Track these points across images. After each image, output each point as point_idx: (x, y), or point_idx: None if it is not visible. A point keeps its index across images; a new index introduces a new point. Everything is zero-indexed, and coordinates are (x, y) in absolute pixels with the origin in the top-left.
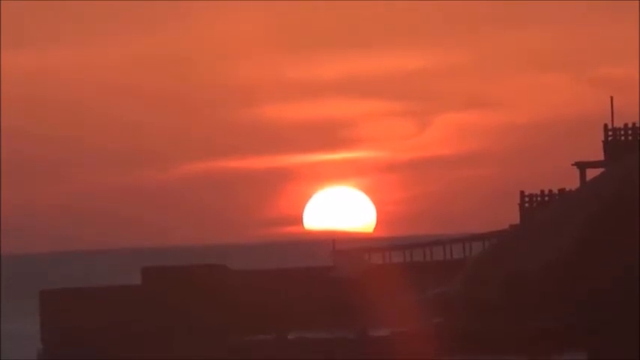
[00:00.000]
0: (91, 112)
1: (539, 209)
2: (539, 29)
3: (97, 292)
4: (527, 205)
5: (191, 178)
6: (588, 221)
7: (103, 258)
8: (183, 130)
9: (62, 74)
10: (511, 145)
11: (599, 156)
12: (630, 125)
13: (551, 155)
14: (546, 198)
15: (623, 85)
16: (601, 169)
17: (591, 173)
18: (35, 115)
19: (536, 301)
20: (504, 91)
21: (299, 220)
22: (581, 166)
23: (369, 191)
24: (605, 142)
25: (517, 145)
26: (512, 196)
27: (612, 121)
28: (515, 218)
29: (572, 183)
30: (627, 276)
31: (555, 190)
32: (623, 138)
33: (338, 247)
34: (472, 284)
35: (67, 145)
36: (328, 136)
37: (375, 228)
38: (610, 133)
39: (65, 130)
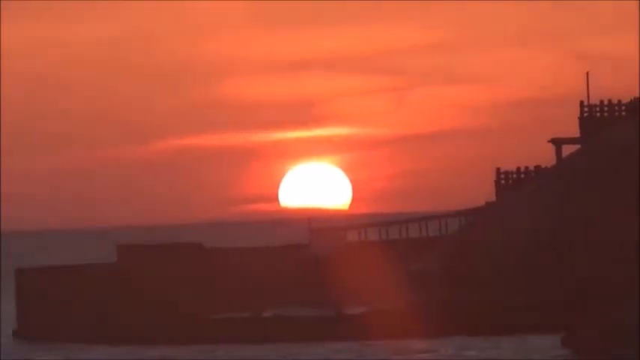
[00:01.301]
0: (54, 88)
1: (515, 186)
2: (519, 5)
3: (72, 270)
4: (503, 182)
5: (162, 155)
6: (564, 197)
7: (76, 237)
8: (153, 108)
9: (28, 50)
10: (488, 121)
11: (575, 132)
12: (606, 102)
13: (529, 132)
14: (522, 175)
15: (603, 60)
16: (577, 146)
17: (567, 150)
18: None
19: (512, 275)
20: (484, 67)
21: (274, 198)
22: (557, 143)
23: (345, 168)
24: (581, 119)
25: (495, 121)
26: (489, 173)
27: (588, 97)
28: (491, 195)
29: (549, 160)
30: (607, 253)
31: (531, 167)
32: (598, 114)
33: (314, 224)
34: (450, 261)
35: (29, 126)
36: (303, 113)
37: (351, 205)
38: (586, 109)
39: (27, 108)
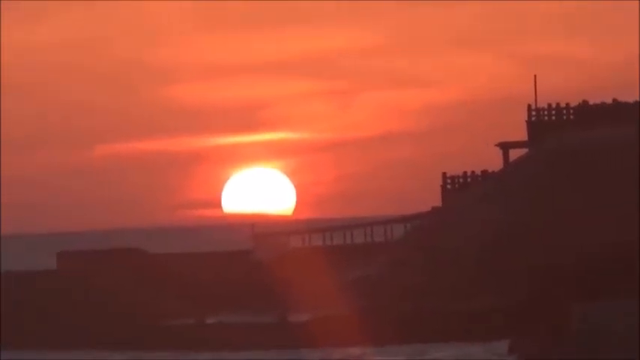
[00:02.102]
0: (5, 91)
1: (461, 191)
2: (462, 7)
3: (11, 277)
4: (449, 186)
5: (106, 160)
6: (509, 204)
7: (17, 243)
8: (97, 112)
9: None
10: (434, 125)
11: (523, 136)
12: (554, 105)
13: (475, 136)
14: (469, 179)
15: (548, 62)
16: (524, 150)
17: (514, 154)
18: None
19: (457, 281)
20: (427, 70)
21: (217, 203)
22: (504, 147)
23: (289, 173)
24: (529, 123)
25: (440, 125)
26: (435, 178)
27: (536, 100)
28: (437, 200)
29: (496, 164)
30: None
31: (478, 172)
32: (546, 118)
33: (257, 230)
34: (394, 266)
35: None
36: (246, 117)
37: (295, 210)
38: (534, 113)
39: None
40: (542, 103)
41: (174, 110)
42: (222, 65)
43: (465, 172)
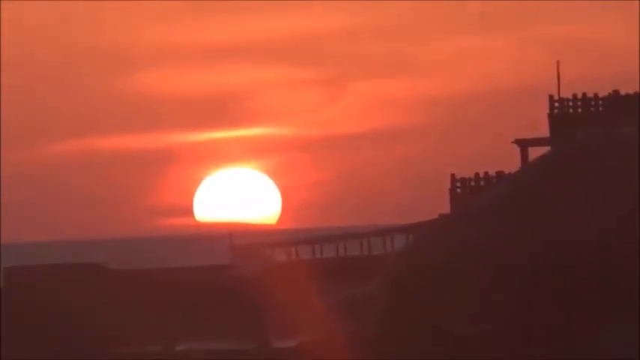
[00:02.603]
0: None
1: (473, 195)
2: None
3: None
4: (459, 190)
5: (58, 160)
6: (528, 208)
7: None
8: (49, 104)
9: None
10: (439, 119)
11: (544, 132)
12: (580, 96)
13: (488, 131)
14: (481, 182)
15: (573, 47)
16: (546, 148)
17: (534, 152)
18: None
19: (468, 302)
20: (433, 55)
21: (189, 210)
22: (523, 144)
23: (272, 174)
24: (551, 116)
25: (447, 119)
26: (442, 180)
27: (559, 90)
28: (445, 206)
29: (512, 164)
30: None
31: (492, 173)
32: (571, 110)
33: (236, 241)
34: (394, 283)
35: None
36: (222, 109)
37: (279, 218)
38: (556, 104)
39: None
40: (567, 94)
41: (137, 102)
42: (192, 49)
43: (477, 174)
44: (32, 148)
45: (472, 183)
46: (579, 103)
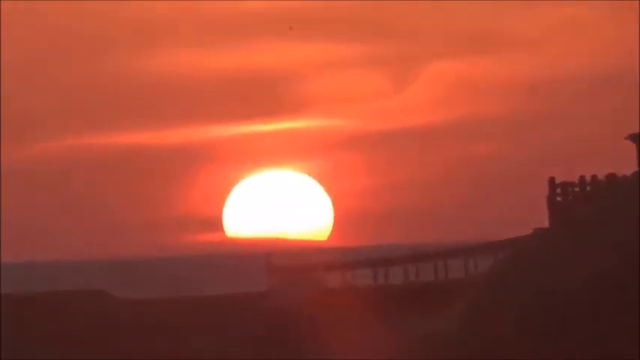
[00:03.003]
0: None
1: (579, 204)
2: None
3: None
4: (559, 198)
5: (61, 159)
6: None
7: None
8: (51, 91)
9: None
10: (535, 109)
11: None
12: None
13: (596, 124)
14: (588, 188)
15: None
16: None
17: None
18: None
19: (572, 334)
20: (524, 28)
21: (218, 223)
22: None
23: (321, 178)
24: None
25: (544, 109)
26: (537, 186)
27: None
28: (541, 219)
29: (628, 164)
30: None
31: (601, 176)
32: None
33: (276, 262)
34: (479, 317)
35: None
36: (261, 96)
37: (330, 234)
38: None
39: None
40: None
41: (157, 87)
42: (223, 21)
43: (583, 177)
44: (29, 144)
45: (576, 189)
46: None
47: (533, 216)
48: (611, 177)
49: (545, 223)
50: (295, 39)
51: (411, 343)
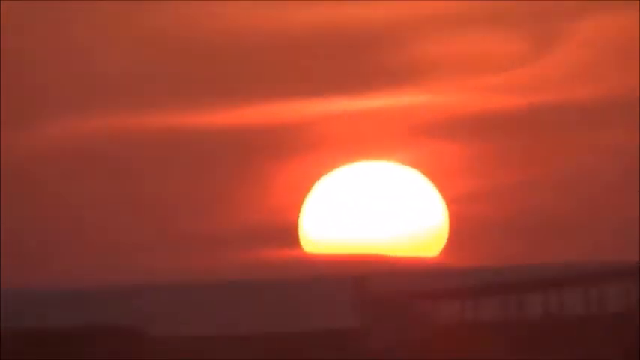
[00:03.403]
0: None
1: None
2: None
3: None
4: None
5: (82, 145)
6: None
7: None
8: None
9: None
10: None
11: None
12: None
13: None
14: None
15: None
16: None
17: None
18: None
19: None
20: None
21: (294, 234)
22: None
23: (432, 173)
24: None
25: None
26: None
27: None
28: None
29: None
30: None
31: None
32: None
33: (371, 288)
34: None
35: None
36: (352, 63)
37: (444, 249)
38: None
39: None
40: None
41: (203, 51)
42: None
43: None
44: (39, 126)
45: None
46: None
47: None
48: None
49: None
50: None
51: None
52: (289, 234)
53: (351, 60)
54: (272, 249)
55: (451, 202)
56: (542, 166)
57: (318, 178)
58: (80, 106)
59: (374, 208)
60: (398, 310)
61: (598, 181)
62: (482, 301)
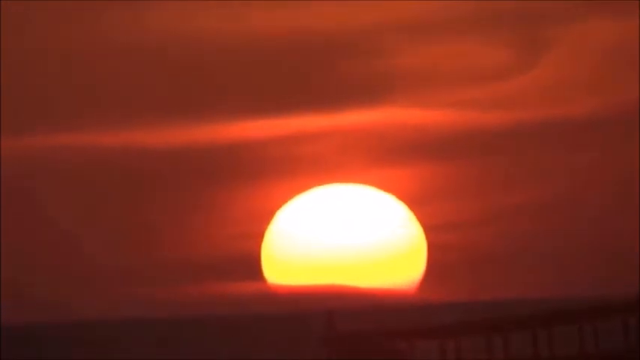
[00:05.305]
0: None
1: None
2: None
3: None
4: None
5: (25, 163)
6: None
7: None
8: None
9: None
10: None
11: None
12: None
13: None
14: None
15: None
16: None
17: None
18: None
19: None
20: None
21: (256, 265)
22: None
23: (410, 198)
24: None
25: None
26: None
27: None
28: None
29: None
30: None
31: None
32: None
33: (340, 327)
34: None
35: None
36: (320, 73)
37: (423, 280)
38: None
39: None
40: None
41: (145, 60)
42: None
43: None
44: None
45: None
46: None
47: None
48: None
49: None
50: None
51: None
52: (251, 265)
53: (321, 72)
54: (232, 282)
55: (429, 229)
56: (528, 189)
57: (283, 203)
58: (20, 124)
59: (344, 235)
60: (370, 349)
61: (590, 205)
62: (463, 340)
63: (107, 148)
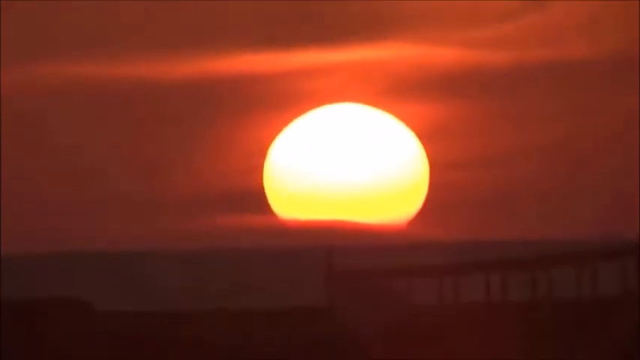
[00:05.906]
0: None
1: None
2: None
3: None
4: None
5: (25, 96)
6: None
7: None
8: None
9: None
10: None
11: None
12: None
13: None
14: None
15: None
16: None
17: None
18: None
19: None
20: None
21: (257, 197)
22: None
23: (416, 129)
24: None
25: None
26: None
27: None
28: None
29: None
30: None
31: None
32: None
33: (340, 264)
34: None
35: None
36: (327, 9)
37: (418, 215)
38: None
39: None
40: None
41: None
42: None
43: None
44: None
45: None
46: None
47: None
48: None
49: None
50: None
51: None
52: (253, 199)
53: (329, 6)
54: (233, 214)
55: (430, 167)
56: (533, 130)
57: (284, 128)
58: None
59: (346, 153)
60: (369, 287)
61: (594, 147)
62: (465, 278)
63: (108, 79)
